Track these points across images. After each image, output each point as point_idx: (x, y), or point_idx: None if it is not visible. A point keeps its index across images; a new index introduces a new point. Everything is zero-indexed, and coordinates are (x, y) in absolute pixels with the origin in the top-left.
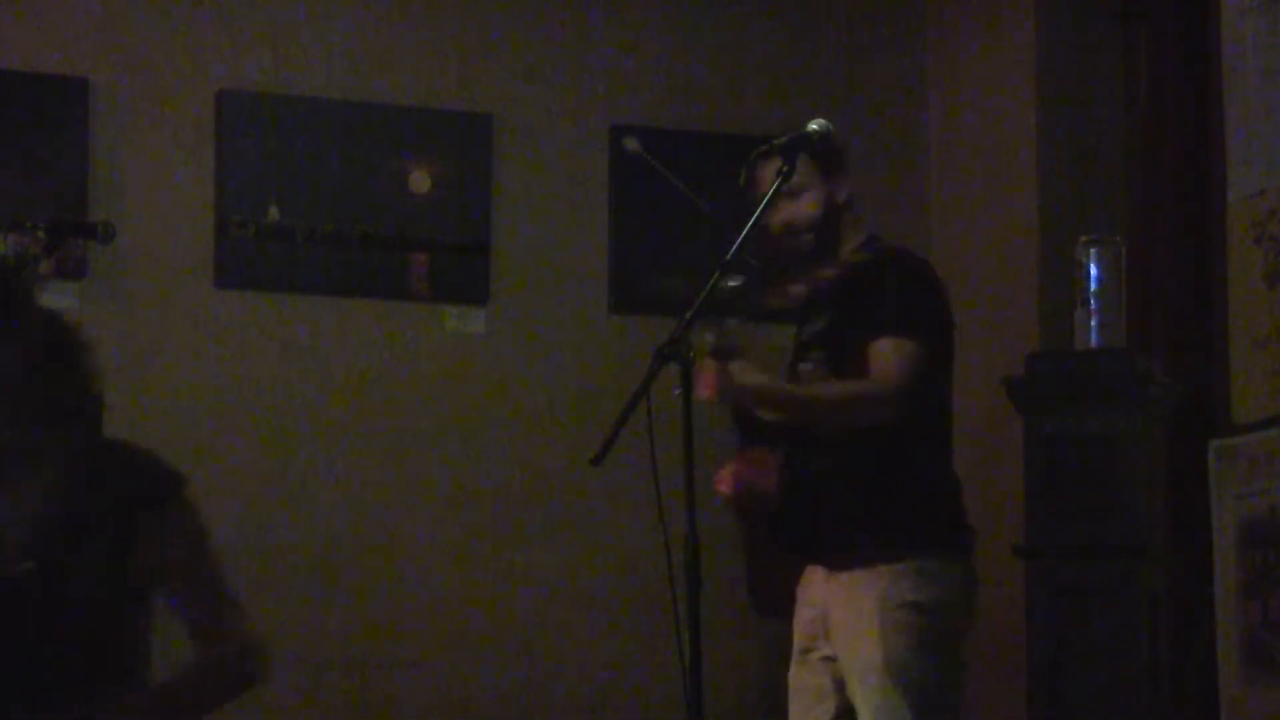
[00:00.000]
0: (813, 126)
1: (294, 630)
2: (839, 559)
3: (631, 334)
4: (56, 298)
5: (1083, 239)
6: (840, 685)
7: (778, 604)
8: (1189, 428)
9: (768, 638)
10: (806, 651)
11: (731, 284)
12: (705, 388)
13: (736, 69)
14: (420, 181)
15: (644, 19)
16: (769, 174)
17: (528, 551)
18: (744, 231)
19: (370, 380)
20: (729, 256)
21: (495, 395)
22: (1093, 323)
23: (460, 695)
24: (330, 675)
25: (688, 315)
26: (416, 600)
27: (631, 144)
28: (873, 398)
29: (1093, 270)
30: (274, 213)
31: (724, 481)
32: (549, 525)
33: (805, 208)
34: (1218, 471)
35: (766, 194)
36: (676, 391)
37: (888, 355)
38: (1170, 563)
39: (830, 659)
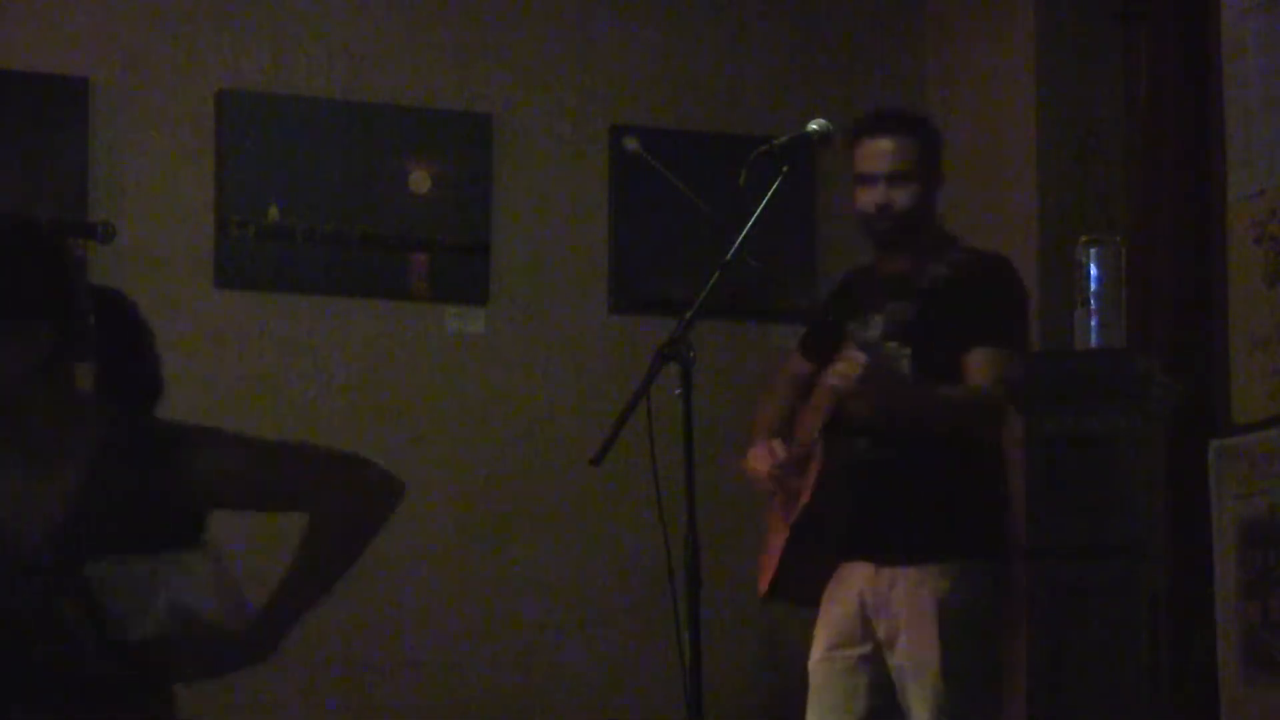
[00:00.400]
0: (813, 126)
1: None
2: (895, 554)
3: (631, 334)
4: None
5: (1083, 239)
6: (875, 687)
7: (803, 593)
8: (1189, 428)
9: (768, 637)
10: (837, 648)
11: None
12: (845, 378)
13: (736, 69)
14: (420, 181)
15: (644, 19)
16: (895, 148)
17: (527, 551)
18: (744, 231)
19: (370, 380)
20: (729, 256)
21: (495, 395)
22: (1093, 323)
23: (460, 695)
24: (330, 675)
25: (687, 315)
26: (416, 600)
27: (631, 144)
28: (990, 406)
29: (1093, 270)
30: (274, 213)
31: (761, 460)
32: (549, 525)
33: (906, 195)
34: (1218, 471)
35: (770, 190)
36: (677, 392)
37: (997, 366)
38: (1170, 563)
39: (868, 658)
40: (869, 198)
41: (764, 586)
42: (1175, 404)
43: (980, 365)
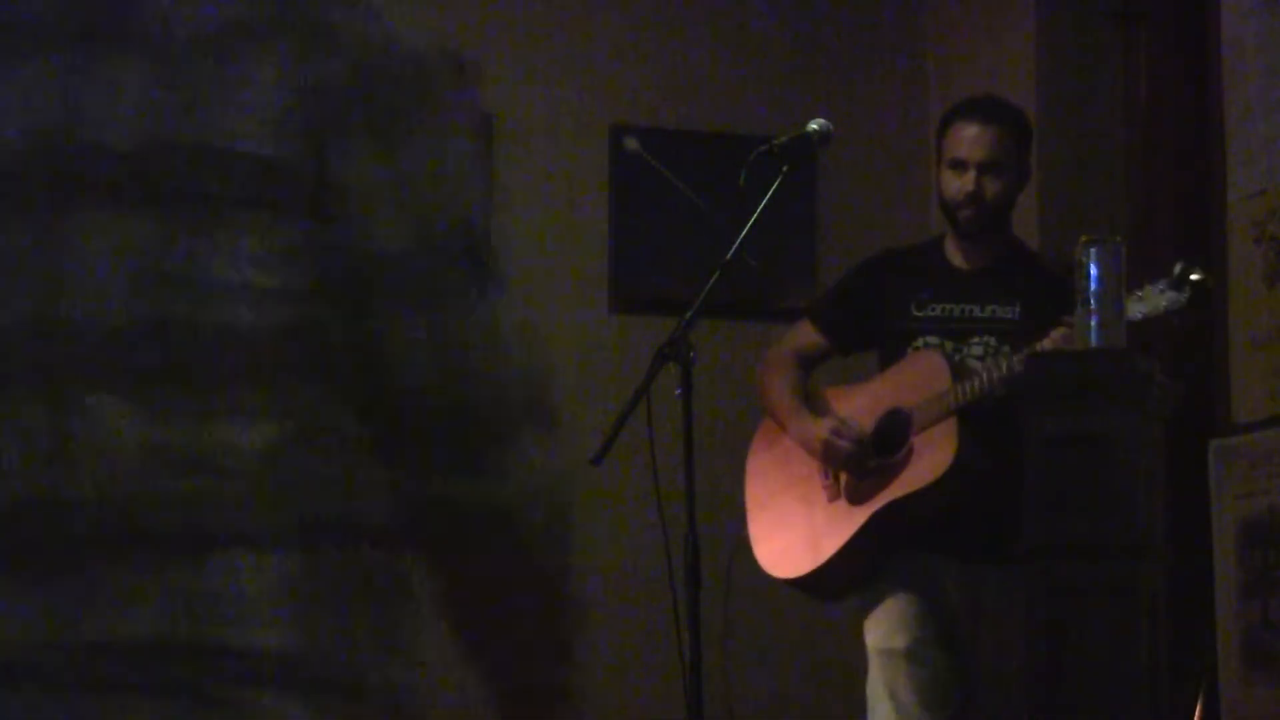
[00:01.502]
0: (813, 126)
1: None
2: (989, 552)
3: (631, 334)
4: None
5: (1083, 239)
6: (946, 687)
7: (835, 587)
8: (1189, 428)
9: (766, 637)
10: (924, 642)
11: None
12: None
13: (736, 69)
14: None
15: (644, 19)
16: (993, 137)
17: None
18: (744, 231)
19: None
20: (729, 256)
21: None
22: (1093, 322)
23: (460, 695)
24: None
25: (687, 315)
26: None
27: (631, 144)
28: None
29: (1093, 270)
30: None
31: (841, 435)
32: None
33: (997, 186)
34: (1218, 471)
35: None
36: (677, 392)
37: None
38: (1170, 563)
39: (940, 658)
40: (958, 184)
41: (799, 570)
42: (1175, 404)
43: None
